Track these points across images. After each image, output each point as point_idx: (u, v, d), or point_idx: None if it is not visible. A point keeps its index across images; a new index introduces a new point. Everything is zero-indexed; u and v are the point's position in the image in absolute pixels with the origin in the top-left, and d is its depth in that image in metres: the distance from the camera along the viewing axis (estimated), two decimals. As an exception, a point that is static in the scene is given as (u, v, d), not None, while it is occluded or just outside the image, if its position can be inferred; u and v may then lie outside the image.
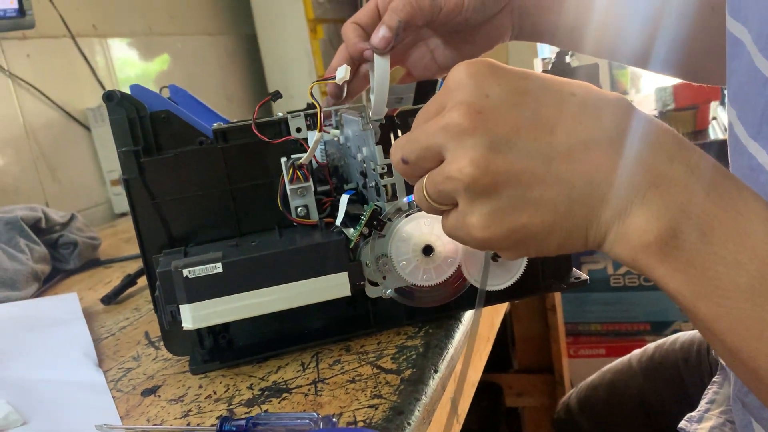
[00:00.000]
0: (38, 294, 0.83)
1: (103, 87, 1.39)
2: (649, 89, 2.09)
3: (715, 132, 1.80)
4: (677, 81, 1.83)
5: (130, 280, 0.78)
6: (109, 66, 1.44)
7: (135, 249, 1.02)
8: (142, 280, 0.81)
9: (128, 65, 1.51)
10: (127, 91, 0.52)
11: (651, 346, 0.97)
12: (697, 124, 1.82)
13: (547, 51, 2.24)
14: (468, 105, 0.36)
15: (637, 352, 0.99)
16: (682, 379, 0.88)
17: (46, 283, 0.87)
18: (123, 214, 1.38)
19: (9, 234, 0.85)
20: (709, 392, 0.73)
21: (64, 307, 0.70)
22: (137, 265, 0.92)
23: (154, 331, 0.65)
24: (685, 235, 0.35)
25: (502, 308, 0.89)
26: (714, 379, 0.74)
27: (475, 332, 0.41)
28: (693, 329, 0.95)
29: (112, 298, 0.75)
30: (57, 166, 1.27)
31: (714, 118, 1.90)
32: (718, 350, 0.37)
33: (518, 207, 0.36)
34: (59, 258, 0.92)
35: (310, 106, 0.76)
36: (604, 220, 0.36)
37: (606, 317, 1.90)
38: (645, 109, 2.02)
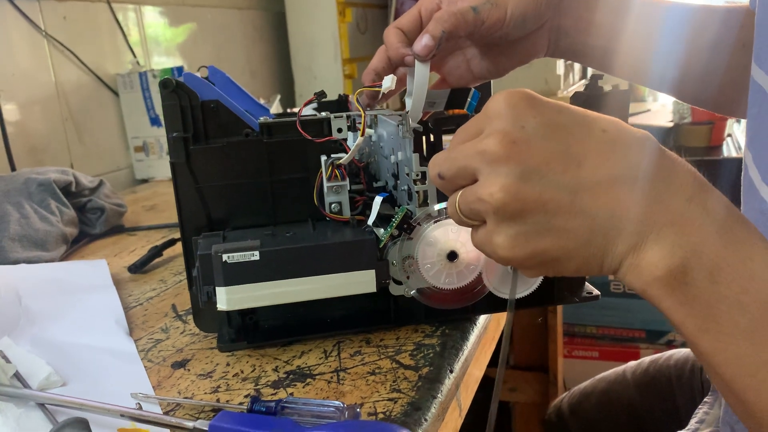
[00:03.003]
0: (65, 256, 0.86)
1: (133, 53, 1.41)
2: (666, 99, 2.10)
3: (729, 149, 1.82)
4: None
5: (156, 252, 0.81)
6: (141, 33, 1.46)
7: (156, 218, 1.06)
8: (168, 252, 0.84)
9: (158, 33, 1.53)
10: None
11: (646, 359, 1.00)
12: (712, 139, 1.83)
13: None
14: (504, 134, 0.38)
15: (632, 363, 1.02)
16: (674, 396, 0.91)
17: (73, 246, 0.90)
18: (144, 181, 1.41)
19: (41, 195, 0.87)
20: (700, 412, 0.76)
21: (95, 273, 0.73)
22: (160, 234, 0.96)
23: (180, 304, 0.68)
24: (694, 273, 0.37)
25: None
26: (705, 399, 0.77)
27: (508, 336, 0.44)
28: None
29: (138, 268, 0.78)
30: (84, 128, 1.30)
31: (729, 135, 1.91)
32: (714, 380, 0.40)
33: (542, 233, 0.39)
34: (86, 222, 0.95)
35: (342, 97, 0.79)
36: (619, 251, 0.39)
37: (602, 321, 1.94)
38: (661, 120, 2.00)
